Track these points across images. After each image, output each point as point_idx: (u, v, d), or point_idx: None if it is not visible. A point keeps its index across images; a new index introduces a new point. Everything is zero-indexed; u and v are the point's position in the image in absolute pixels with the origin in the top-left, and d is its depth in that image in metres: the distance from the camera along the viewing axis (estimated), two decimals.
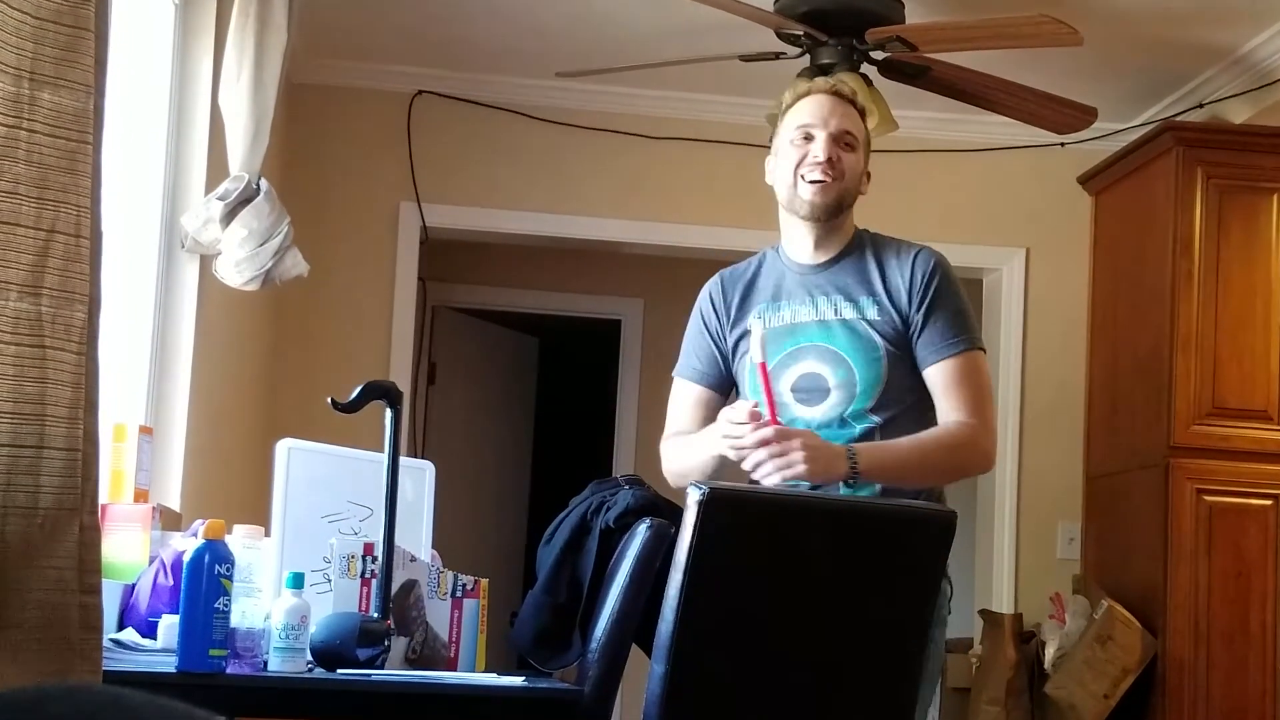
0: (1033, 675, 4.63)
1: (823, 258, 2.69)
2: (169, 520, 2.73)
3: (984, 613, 4.85)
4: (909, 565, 2.31)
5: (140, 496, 2.64)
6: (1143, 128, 4.84)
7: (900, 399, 2.60)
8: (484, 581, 2.54)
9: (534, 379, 6.84)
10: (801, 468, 2.44)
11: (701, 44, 4.31)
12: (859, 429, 2.58)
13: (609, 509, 2.60)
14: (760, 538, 2.20)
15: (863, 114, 2.72)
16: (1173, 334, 4.50)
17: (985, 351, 2.65)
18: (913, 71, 3.81)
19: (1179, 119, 4.70)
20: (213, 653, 1.98)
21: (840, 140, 2.64)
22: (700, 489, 2.16)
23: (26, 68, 1.30)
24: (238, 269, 3.39)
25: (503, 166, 5.05)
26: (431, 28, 4.61)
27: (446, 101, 4.99)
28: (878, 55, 3.82)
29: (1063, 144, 4.81)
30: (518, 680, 2.24)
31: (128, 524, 2.40)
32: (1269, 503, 4.45)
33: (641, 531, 2.42)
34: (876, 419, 2.58)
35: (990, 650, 4.69)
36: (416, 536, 2.63)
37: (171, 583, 2.30)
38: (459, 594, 2.49)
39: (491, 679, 2.28)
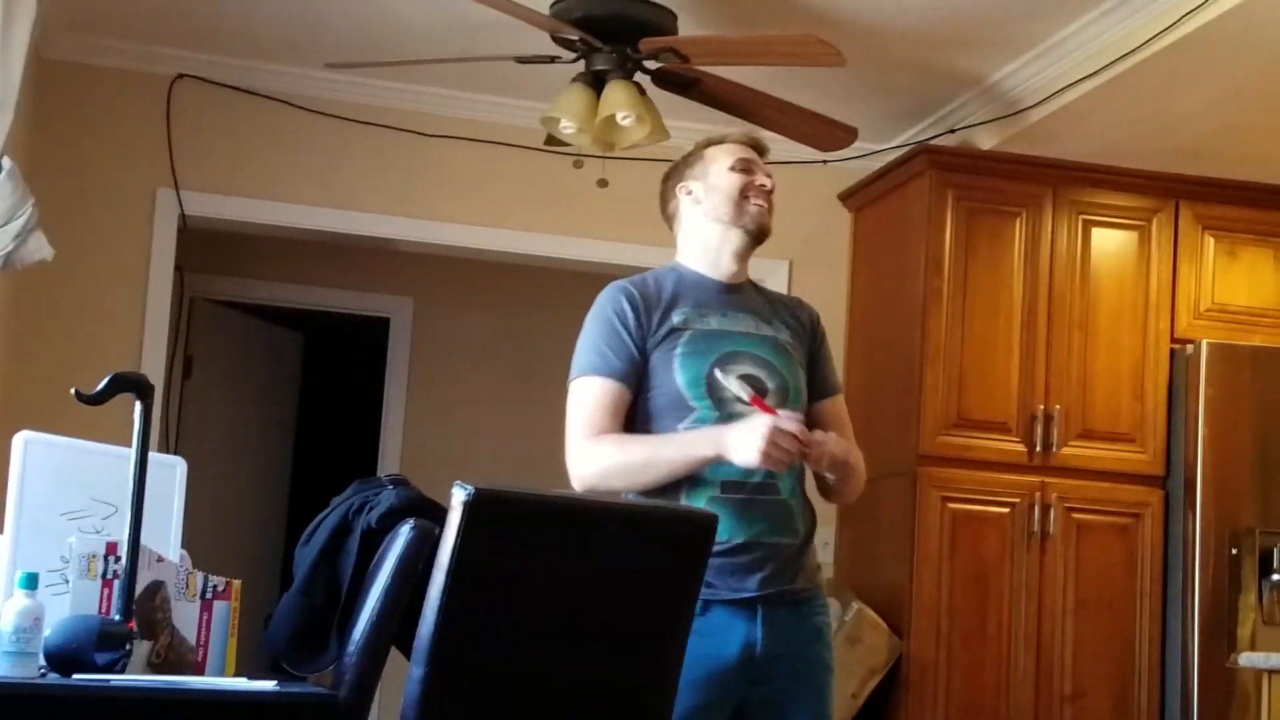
0: None
1: (736, 280, 2.85)
2: None
3: None
4: (669, 566, 2.34)
5: None
6: (900, 149, 5.03)
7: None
8: (236, 583, 2.48)
9: (298, 376, 6.70)
10: (852, 459, 2.72)
11: (477, 43, 4.29)
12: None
13: (372, 509, 2.57)
14: (525, 539, 2.20)
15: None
16: (923, 347, 4.68)
17: None
18: (684, 83, 3.88)
19: (933, 142, 4.90)
20: None
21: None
22: (465, 489, 2.14)
23: None
24: None
25: (268, 157, 4.94)
26: (196, 9, 4.48)
27: (210, 87, 4.85)
28: (651, 65, 3.87)
29: (825, 161, 4.95)
30: (268, 685, 2.19)
31: None
32: (1006, 510, 4.67)
33: (405, 532, 2.39)
34: None
35: None
36: (165, 535, 2.55)
37: None
38: (209, 595, 2.42)
39: (240, 683, 2.22)
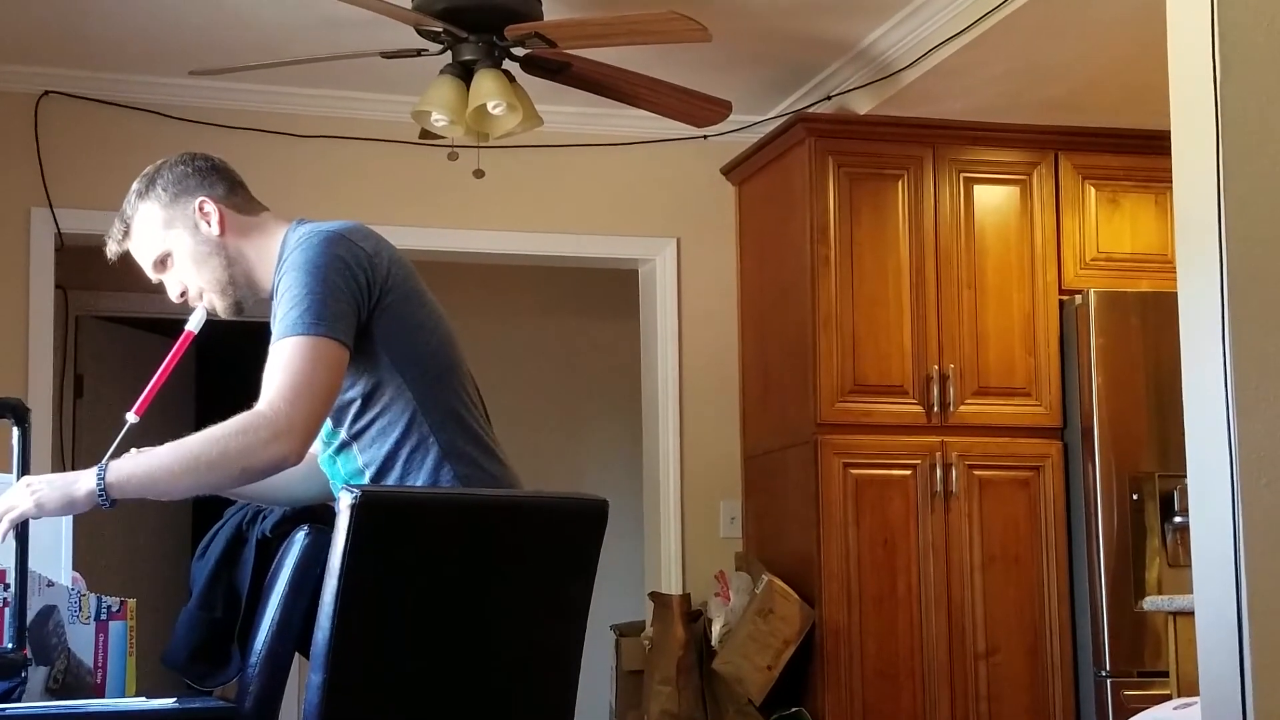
0: (702, 653, 4.77)
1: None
2: None
3: (654, 595, 4.97)
4: (564, 555, 2.34)
5: None
6: (777, 120, 5.05)
7: (341, 409, 2.40)
8: (131, 602, 2.45)
9: (193, 388, 6.62)
10: (26, 503, 2.27)
11: (341, 40, 4.26)
12: (340, 452, 2.45)
13: (265, 517, 2.53)
14: (415, 539, 2.19)
15: (128, 231, 2.56)
16: (814, 316, 4.71)
17: (325, 337, 2.30)
18: (554, 67, 3.87)
19: (810, 111, 4.92)
20: None
21: (159, 270, 2.55)
22: (352, 493, 2.13)
23: None
24: None
25: (142, 169, 4.84)
26: (55, 25, 4.40)
27: (76, 102, 4.79)
28: (519, 51, 3.86)
29: (705, 136, 4.96)
30: (167, 702, 2.17)
31: None
32: (908, 473, 4.72)
33: (299, 539, 2.37)
34: (341, 434, 2.43)
35: (660, 632, 4.81)
36: (55, 560, 2.52)
37: None
38: (103, 617, 2.40)
39: (139, 703, 2.21)
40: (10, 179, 4.77)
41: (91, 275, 5.70)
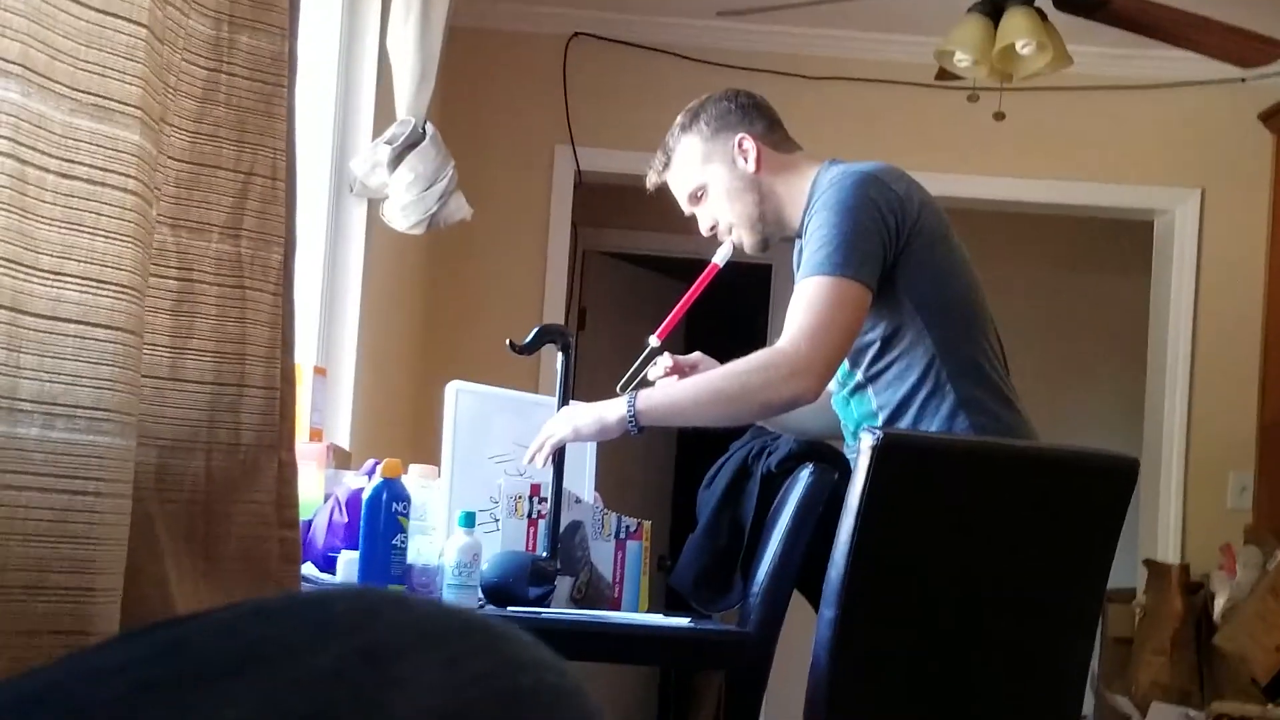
0: (1199, 627, 4.52)
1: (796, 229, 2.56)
2: (340, 459, 2.78)
3: (1148, 563, 4.75)
4: (1090, 513, 2.26)
5: (315, 435, 2.69)
6: None
7: (859, 351, 2.43)
8: (647, 524, 2.56)
9: (683, 325, 6.83)
10: (565, 430, 2.39)
11: None
12: (855, 393, 2.47)
13: (770, 454, 2.58)
14: (934, 484, 2.17)
15: (669, 162, 2.63)
16: None
17: (849, 279, 2.31)
18: (1092, 5, 3.67)
19: None
20: (391, 588, 2.03)
21: (693, 203, 2.62)
22: (873, 434, 2.12)
23: (225, 10, 1.31)
24: (404, 213, 3.43)
25: (659, 110, 4.99)
26: None
27: (603, 44, 4.96)
28: None
29: (1243, 79, 4.62)
30: (684, 621, 2.25)
31: (304, 462, 2.45)
32: None
33: (804, 477, 2.40)
34: (858, 375, 2.46)
35: (1155, 601, 4.59)
36: (580, 479, 2.66)
37: (346, 519, 2.35)
38: (622, 536, 2.52)
39: (659, 619, 2.31)
40: (538, 117, 4.98)
41: (600, 212, 5.98)
